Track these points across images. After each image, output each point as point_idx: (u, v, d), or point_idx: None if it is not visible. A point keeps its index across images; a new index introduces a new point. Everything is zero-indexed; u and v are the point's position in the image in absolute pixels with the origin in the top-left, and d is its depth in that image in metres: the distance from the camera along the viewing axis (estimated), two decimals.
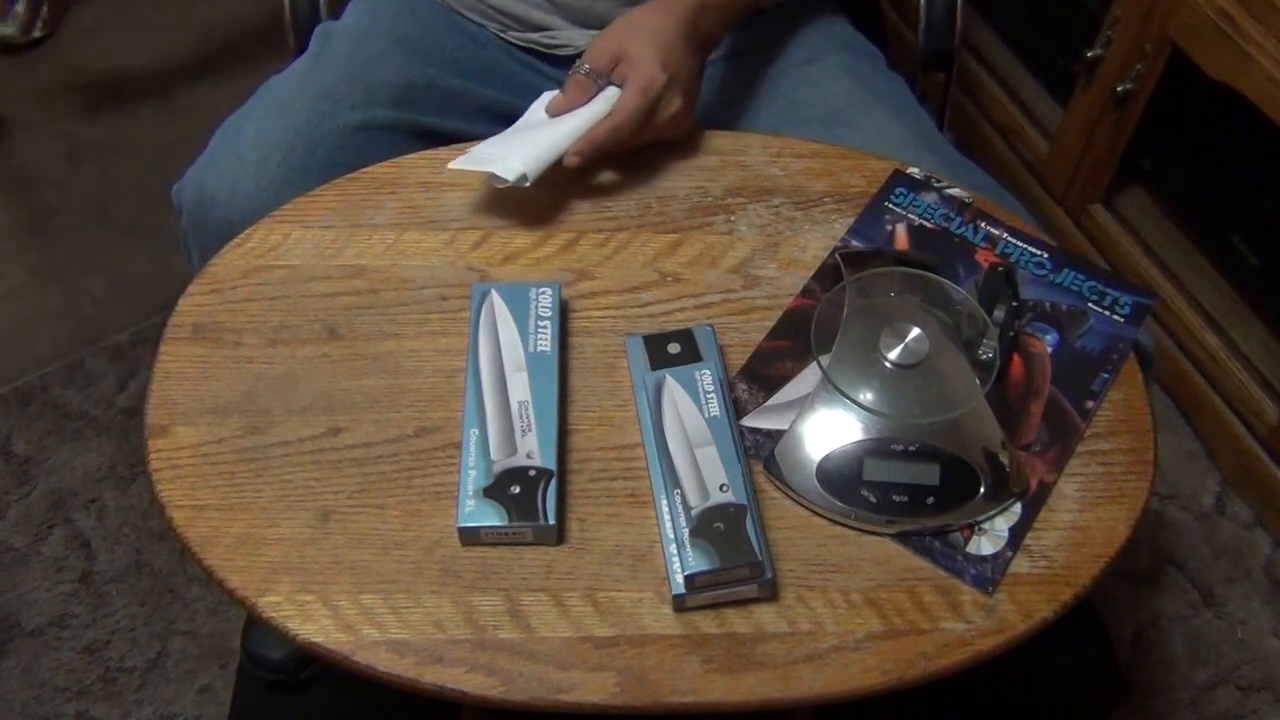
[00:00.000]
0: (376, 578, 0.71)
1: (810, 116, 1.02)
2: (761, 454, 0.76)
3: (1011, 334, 0.82)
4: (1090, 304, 0.85)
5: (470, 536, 0.72)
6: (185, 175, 0.99)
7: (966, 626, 0.70)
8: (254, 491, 0.74)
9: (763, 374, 0.81)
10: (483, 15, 1.10)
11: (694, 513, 0.71)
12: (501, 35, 1.11)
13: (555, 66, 1.12)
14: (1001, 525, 0.74)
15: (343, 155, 0.98)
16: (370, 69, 1.03)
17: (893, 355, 0.77)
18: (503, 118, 1.10)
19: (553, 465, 0.73)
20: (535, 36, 1.10)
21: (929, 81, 1.19)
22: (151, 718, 1.26)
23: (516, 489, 0.72)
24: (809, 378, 0.80)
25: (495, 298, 0.81)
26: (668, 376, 0.78)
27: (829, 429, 0.76)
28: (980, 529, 0.74)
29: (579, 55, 1.10)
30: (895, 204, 0.91)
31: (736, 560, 0.69)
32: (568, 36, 1.10)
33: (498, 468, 0.73)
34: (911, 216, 0.90)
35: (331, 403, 0.78)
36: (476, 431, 0.74)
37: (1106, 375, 0.81)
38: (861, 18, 1.19)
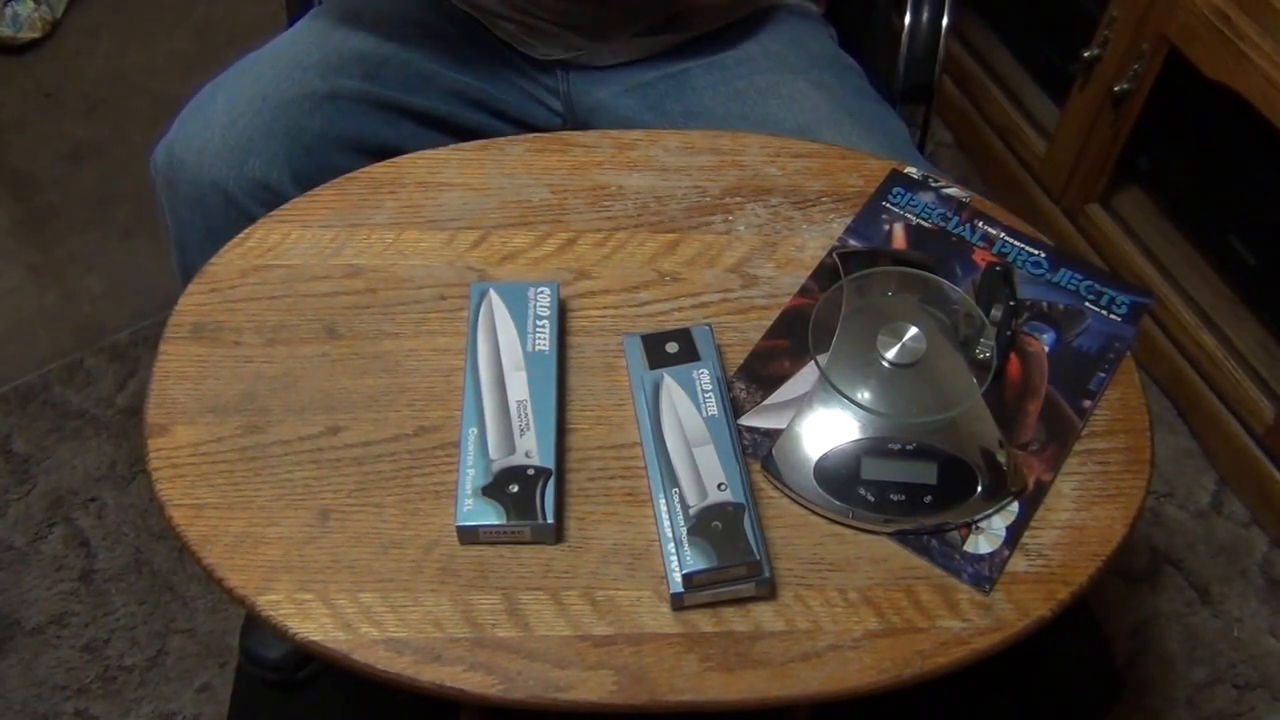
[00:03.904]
0: (375, 576, 0.71)
1: (780, 131, 1.02)
2: (759, 453, 0.77)
3: (1009, 333, 0.82)
4: (1087, 303, 0.85)
5: (469, 535, 0.72)
6: (159, 140, 1.01)
7: (964, 625, 0.70)
8: (253, 490, 0.74)
9: (760, 373, 0.81)
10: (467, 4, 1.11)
11: (692, 511, 0.71)
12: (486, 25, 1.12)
13: (533, 66, 1.13)
14: (999, 524, 0.74)
15: (310, 121, 1.00)
16: (344, 42, 1.05)
17: (890, 354, 0.77)
18: (475, 103, 1.11)
19: (551, 464, 0.73)
20: (511, 29, 1.11)
21: (909, 110, 1.19)
22: (151, 716, 1.26)
23: (515, 488, 0.72)
24: (806, 377, 0.80)
25: (494, 297, 0.82)
26: (666, 376, 0.78)
27: (827, 428, 0.76)
28: (977, 528, 0.74)
29: (554, 61, 1.12)
30: (893, 203, 0.91)
31: (734, 559, 0.69)
32: (543, 51, 1.12)
33: (496, 467, 0.73)
34: (909, 216, 0.90)
35: (330, 402, 0.79)
36: (475, 430, 0.75)
37: (1103, 374, 0.81)
38: (855, 28, 1.19)
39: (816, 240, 0.89)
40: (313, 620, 0.69)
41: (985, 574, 0.72)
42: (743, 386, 0.80)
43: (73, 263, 1.70)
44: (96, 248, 1.72)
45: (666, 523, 0.71)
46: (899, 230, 0.90)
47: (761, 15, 1.11)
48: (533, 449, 0.74)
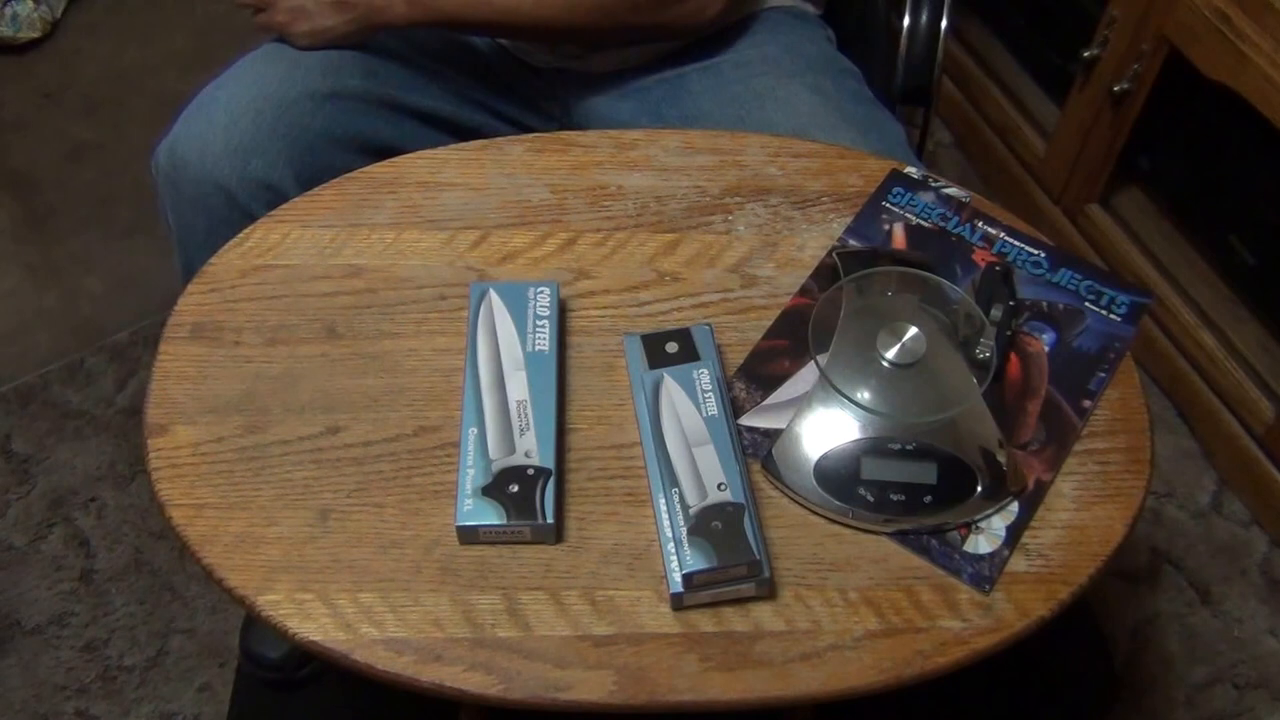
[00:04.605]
0: (375, 576, 0.71)
1: (776, 135, 1.02)
2: (759, 453, 0.77)
3: (1008, 333, 0.82)
4: (1087, 303, 0.85)
5: (469, 535, 0.72)
6: (161, 140, 1.01)
7: (964, 625, 0.70)
8: (253, 490, 0.74)
9: (760, 373, 0.81)
10: None
11: (692, 511, 0.71)
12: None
13: (530, 72, 1.14)
14: (998, 524, 0.74)
15: (312, 121, 1.00)
16: None
17: (890, 354, 0.77)
18: (474, 102, 1.12)
19: (551, 464, 0.73)
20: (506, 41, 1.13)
21: (909, 112, 1.19)
22: (151, 716, 1.26)
23: (515, 488, 0.72)
24: (806, 377, 0.80)
25: (493, 297, 0.82)
26: (666, 376, 0.78)
27: (826, 428, 0.76)
28: (977, 528, 0.74)
29: (552, 68, 1.13)
30: (893, 203, 0.91)
31: (734, 559, 0.69)
32: (540, 57, 1.13)
33: (496, 466, 0.73)
34: (909, 216, 0.90)
35: (330, 402, 0.79)
36: (475, 430, 0.75)
37: (1103, 374, 0.82)
38: (854, 29, 1.19)
39: (816, 240, 0.89)
40: (313, 620, 0.69)
41: (985, 574, 0.72)
42: (743, 386, 0.80)
43: (72, 263, 1.70)
44: (96, 248, 1.72)
45: (666, 523, 0.71)
46: (899, 230, 0.90)
47: (757, 18, 1.11)
48: (533, 449, 0.74)
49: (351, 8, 0.99)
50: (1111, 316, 0.85)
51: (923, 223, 0.90)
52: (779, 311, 0.85)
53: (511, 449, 0.74)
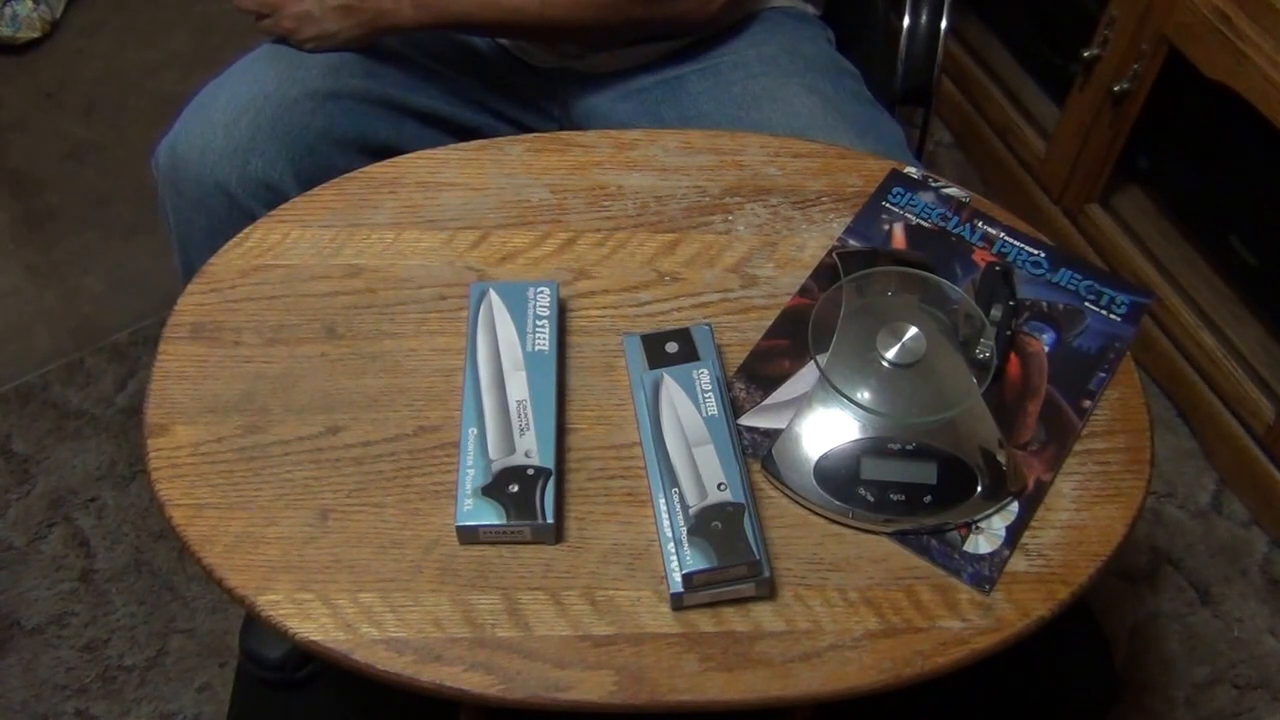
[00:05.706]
0: (375, 576, 0.71)
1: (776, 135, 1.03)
2: (759, 453, 0.77)
3: (1008, 333, 0.82)
4: (1087, 303, 0.85)
5: (468, 535, 0.72)
6: (161, 140, 1.01)
7: (964, 625, 0.70)
8: (253, 490, 0.74)
9: (760, 373, 0.81)
10: None
11: (692, 511, 0.71)
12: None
13: (530, 72, 1.14)
14: (998, 524, 0.74)
15: (312, 120, 1.00)
16: None
17: (890, 354, 0.77)
18: (474, 102, 1.12)
19: (551, 464, 0.73)
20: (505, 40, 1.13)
21: (908, 112, 1.19)
22: (151, 716, 1.26)
23: (515, 488, 0.72)
24: (806, 377, 0.80)
25: (493, 297, 0.82)
26: (665, 376, 0.78)
27: (826, 428, 0.76)
28: (977, 528, 0.74)
29: (551, 68, 1.13)
30: (893, 203, 0.91)
31: (734, 559, 0.69)
32: (540, 57, 1.13)
33: (496, 466, 0.73)
34: (909, 216, 0.90)
35: (330, 402, 0.79)
36: (475, 430, 0.75)
37: (1103, 374, 0.82)
38: (854, 30, 1.19)
39: (816, 240, 0.89)
40: (313, 620, 0.69)
41: (985, 574, 0.72)
42: (742, 386, 0.80)
43: (72, 263, 1.70)
44: (96, 248, 1.72)
45: (666, 523, 0.71)
46: (899, 230, 0.90)
47: (757, 18, 1.11)
48: (532, 449, 0.74)
49: (358, 12, 0.99)
50: (1111, 316, 0.85)
51: (923, 223, 0.90)
52: (779, 311, 0.85)
53: (511, 449, 0.74)
